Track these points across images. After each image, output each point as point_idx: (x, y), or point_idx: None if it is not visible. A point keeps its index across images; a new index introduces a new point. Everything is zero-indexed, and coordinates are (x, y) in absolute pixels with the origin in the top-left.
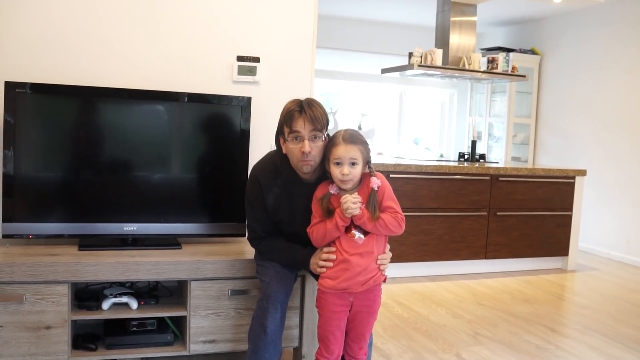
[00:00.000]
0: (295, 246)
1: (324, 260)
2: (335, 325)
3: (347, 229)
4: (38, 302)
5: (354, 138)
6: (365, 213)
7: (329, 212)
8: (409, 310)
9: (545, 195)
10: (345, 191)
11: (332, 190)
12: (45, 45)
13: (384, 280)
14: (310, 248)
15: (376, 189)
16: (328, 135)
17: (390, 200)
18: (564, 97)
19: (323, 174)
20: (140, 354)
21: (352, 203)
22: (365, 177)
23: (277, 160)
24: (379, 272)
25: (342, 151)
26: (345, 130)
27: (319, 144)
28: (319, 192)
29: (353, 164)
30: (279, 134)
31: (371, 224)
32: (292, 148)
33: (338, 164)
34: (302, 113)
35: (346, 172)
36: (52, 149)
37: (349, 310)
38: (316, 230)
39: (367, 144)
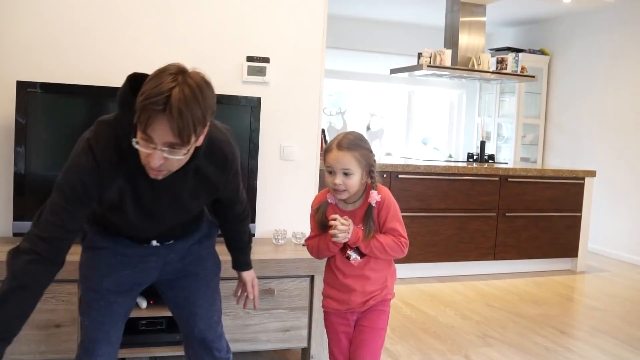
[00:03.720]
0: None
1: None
2: (340, 347)
3: (344, 248)
4: (48, 300)
5: (351, 144)
6: (358, 233)
7: (323, 227)
8: (418, 311)
9: (554, 196)
10: (345, 202)
11: (330, 199)
12: (57, 45)
13: (391, 298)
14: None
15: (374, 204)
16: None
17: (396, 221)
18: (573, 98)
19: (198, 159)
20: (149, 353)
21: (340, 228)
22: (369, 188)
23: (121, 137)
24: (381, 290)
25: (333, 159)
26: (345, 135)
27: (180, 154)
28: (316, 201)
29: (346, 173)
30: (133, 115)
31: (365, 245)
32: (139, 149)
33: (330, 172)
34: (166, 112)
35: (338, 182)
36: (63, 148)
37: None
38: (310, 246)
39: (369, 151)
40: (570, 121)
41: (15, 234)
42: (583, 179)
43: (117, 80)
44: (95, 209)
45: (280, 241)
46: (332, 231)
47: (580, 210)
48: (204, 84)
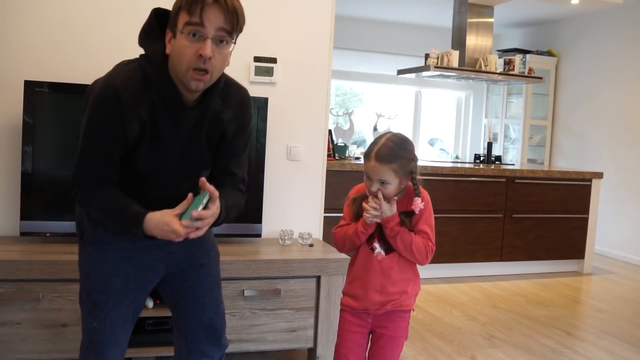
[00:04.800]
0: (132, 204)
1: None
2: (348, 347)
3: (370, 240)
4: (55, 300)
5: (389, 155)
6: (395, 218)
7: (357, 217)
8: (424, 312)
9: (561, 198)
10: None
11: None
12: (64, 45)
13: (410, 310)
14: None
15: (417, 212)
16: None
17: (427, 225)
18: (581, 99)
19: (214, 96)
20: (156, 353)
21: (373, 209)
22: (410, 190)
23: (145, 67)
24: (399, 295)
25: (370, 169)
26: (385, 142)
27: (225, 51)
28: (354, 191)
29: (383, 183)
30: (168, 24)
31: (395, 230)
32: (184, 47)
33: (368, 178)
34: (218, 2)
35: (374, 190)
36: (70, 147)
37: (370, 336)
38: (339, 233)
39: (409, 159)
40: (578, 122)
41: (22, 233)
42: (590, 180)
43: None
44: (120, 154)
45: (286, 241)
46: (365, 206)
47: (587, 212)
48: None
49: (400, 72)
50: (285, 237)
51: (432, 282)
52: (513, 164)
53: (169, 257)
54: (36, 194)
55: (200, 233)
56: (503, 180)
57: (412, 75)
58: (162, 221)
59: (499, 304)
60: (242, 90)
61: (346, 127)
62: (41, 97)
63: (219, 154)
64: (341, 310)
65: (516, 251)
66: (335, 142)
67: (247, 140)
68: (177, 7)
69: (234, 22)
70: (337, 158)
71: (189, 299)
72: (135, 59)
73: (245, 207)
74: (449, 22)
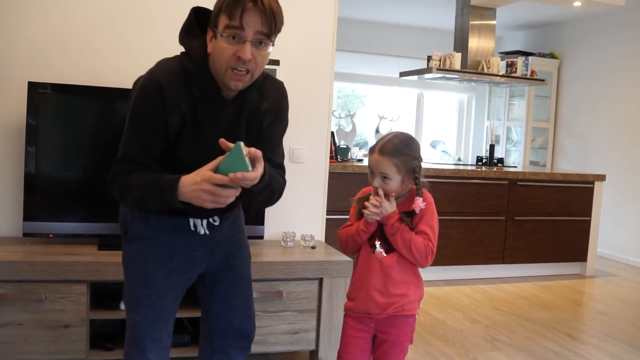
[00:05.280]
0: (167, 175)
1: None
2: (350, 352)
3: (372, 239)
4: (57, 300)
5: (393, 150)
6: (395, 215)
7: (361, 216)
8: (426, 314)
9: (563, 200)
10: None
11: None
12: (68, 46)
13: (414, 314)
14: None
15: (417, 212)
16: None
17: (427, 226)
18: (583, 101)
19: (252, 91)
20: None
21: (372, 202)
22: (413, 192)
23: (186, 63)
24: (401, 298)
25: (372, 161)
26: (391, 138)
27: (264, 53)
28: (360, 193)
29: (385, 177)
30: (209, 24)
31: (394, 227)
32: (223, 48)
33: (371, 172)
34: (256, 4)
35: (375, 184)
36: (73, 149)
37: (373, 341)
38: (343, 233)
39: (413, 157)
40: (580, 125)
41: (25, 234)
42: (593, 183)
43: (127, 82)
44: (160, 146)
45: (289, 243)
46: (365, 203)
47: (589, 215)
48: None
49: (402, 74)
50: (288, 239)
51: (434, 285)
52: (515, 167)
53: (210, 255)
54: (39, 195)
55: (236, 193)
56: (505, 182)
57: (414, 77)
58: (193, 180)
59: (501, 306)
60: (278, 83)
61: (348, 129)
62: (45, 98)
63: (256, 144)
64: (345, 315)
65: (518, 254)
66: (337, 144)
67: (283, 129)
68: (218, 9)
69: (272, 26)
70: (339, 160)
71: (221, 300)
72: (176, 56)
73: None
74: (451, 24)
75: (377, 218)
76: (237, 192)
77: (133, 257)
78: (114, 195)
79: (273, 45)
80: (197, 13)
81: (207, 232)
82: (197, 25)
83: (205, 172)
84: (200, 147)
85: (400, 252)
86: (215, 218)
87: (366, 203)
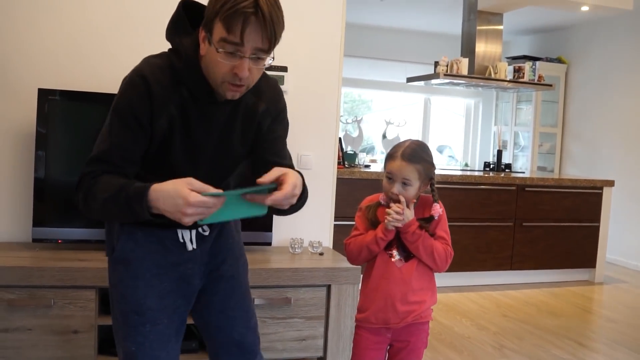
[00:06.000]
0: (137, 182)
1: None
2: None
3: (389, 248)
4: (66, 306)
5: (414, 156)
6: (414, 222)
7: (373, 224)
8: (434, 321)
9: (572, 206)
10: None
11: (382, 200)
12: (78, 54)
13: (429, 320)
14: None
15: (436, 217)
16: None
17: (443, 231)
18: (591, 106)
19: (247, 92)
20: None
21: (396, 213)
22: (424, 198)
23: (175, 61)
24: (419, 305)
25: (396, 168)
26: (410, 144)
27: (261, 66)
28: (366, 201)
29: (405, 183)
30: (201, 22)
31: (415, 235)
32: (219, 63)
33: (390, 178)
34: (257, 16)
35: (395, 191)
36: (82, 155)
37: (388, 350)
38: (354, 243)
39: (430, 163)
40: (588, 130)
41: (34, 240)
42: (601, 188)
43: None
44: (144, 149)
45: (297, 250)
46: (387, 210)
47: (598, 220)
48: None
49: (409, 79)
50: (296, 246)
51: (441, 291)
52: (523, 172)
53: (202, 268)
54: (48, 200)
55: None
56: (513, 188)
57: (421, 82)
58: (175, 188)
59: (509, 313)
60: (272, 81)
61: (355, 134)
62: (54, 104)
63: (259, 148)
64: (357, 327)
65: (526, 260)
66: (344, 150)
67: (286, 128)
68: (214, 13)
69: (272, 40)
70: (346, 166)
71: (219, 314)
72: (163, 53)
73: None
74: (458, 30)
75: (400, 225)
76: (217, 203)
77: (121, 282)
78: (78, 202)
79: (273, 58)
80: (186, 6)
81: (196, 247)
82: (186, 20)
83: (196, 181)
84: (192, 152)
85: (420, 259)
86: (205, 227)
87: (388, 210)
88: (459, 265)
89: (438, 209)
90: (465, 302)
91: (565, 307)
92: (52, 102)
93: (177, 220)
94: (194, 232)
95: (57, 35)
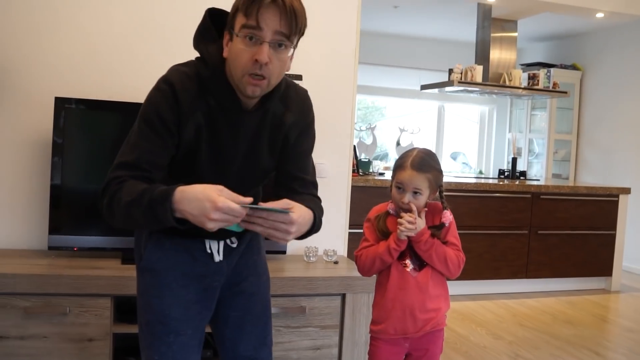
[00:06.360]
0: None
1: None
2: None
3: (402, 258)
4: (81, 314)
5: (424, 165)
6: (426, 230)
7: (384, 234)
8: (448, 330)
9: (588, 214)
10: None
11: (391, 210)
12: (95, 62)
13: (444, 326)
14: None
15: (447, 224)
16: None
17: (453, 237)
18: (606, 113)
19: (274, 100)
20: None
21: (408, 222)
22: (433, 205)
23: (201, 70)
24: (436, 313)
25: (406, 178)
26: (418, 153)
27: (283, 56)
28: (374, 211)
29: (416, 192)
30: (225, 26)
31: (428, 243)
32: (240, 51)
33: (400, 188)
34: (275, 1)
35: (406, 200)
36: (98, 163)
37: (405, 359)
38: (365, 254)
39: (439, 171)
40: (604, 137)
41: (50, 247)
42: (617, 196)
43: None
44: (171, 154)
45: (311, 258)
46: (399, 220)
47: (614, 228)
48: None
49: (423, 87)
50: (310, 254)
51: (456, 299)
52: (538, 179)
53: (224, 279)
54: (65, 208)
55: (254, 228)
56: (528, 196)
57: (435, 90)
58: (203, 192)
59: (525, 322)
60: (302, 91)
61: (369, 141)
62: (70, 113)
63: (283, 159)
64: (373, 338)
65: (542, 268)
66: (359, 158)
67: (312, 142)
68: (235, 9)
69: (292, 25)
70: (361, 174)
71: (235, 328)
72: (191, 61)
73: None
74: (472, 36)
75: (412, 234)
76: (244, 213)
77: (147, 291)
78: (102, 208)
79: (294, 48)
80: (212, 15)
81: (222, 259)
82: (212, 28)
83: (224, 188)
84: (218, 162)
85: (434, 267)
86: (233, 239)
87: (400, 220)
88: (474, 273)
89: (449, 216)
90: (480, 310)
91: (582, 316)
92: (68, 110)
93: (199, 225)
94: (221, 243)
95: (74, 43)
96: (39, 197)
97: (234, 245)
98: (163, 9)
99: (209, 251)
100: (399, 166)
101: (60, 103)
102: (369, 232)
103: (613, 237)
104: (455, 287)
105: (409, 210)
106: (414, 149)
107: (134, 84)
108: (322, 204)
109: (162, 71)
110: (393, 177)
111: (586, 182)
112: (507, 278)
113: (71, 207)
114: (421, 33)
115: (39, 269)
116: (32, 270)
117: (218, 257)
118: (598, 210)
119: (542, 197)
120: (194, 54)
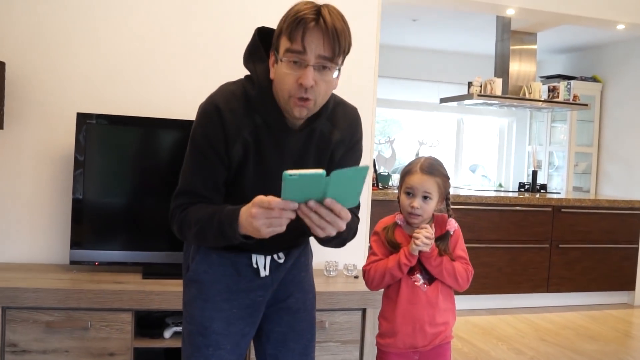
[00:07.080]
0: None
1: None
2: None
3: (411, 272)
4: (103, 328)
5: (433, 169)
6: (434, 248)
7: (393, 245)
8: (469, 345)
9: (609, 227)
10: (411, 227)
11: (399, 220)
12: (116, 78)
13: (451, 340)
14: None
15: (452, 232)
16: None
17: (461, 250)
18: (627, 125)
19: (322, 119)
20: None
21: (425, 237)
22: (438, 217)
23: (249, 89)
24: (445, 327)
25: (416, 181)
26: (426, 159)
27: (328, 78)
28: (381, 224)
29: (426, 197)
30: (271, 47)
31: (437, 261)
32: (285, 75)
33: (409, 194)
34: (318, 23)
35: (416, 205)
36: (119, 178)
37: None
38: (374, 269)
39: (448, 178)
40: (625, 149)
41: (72, 262)
42: (639, 209)
43: (171, 112)
44: (225, 175)
45: (332, 273)
46: (415, 235)
47: (637, 242)
48: None
49: (442, 100)
50: (330, 269)
51: (477, 314)
52: (559, 193)
53: (270, 294)
54: (86, 223)
55: (290, 215)
56: (549, 209)
57: (454, 103)
58: (247, 207)
59: (546, 337)
60: (351, 109)
61: (388, 155)
62: (92, 128)
63: None
64: (381, 352)
65: (563, 282)
66: (378, 171)
67: (358, 160)
68: (279, 30)
69: (335, 48)
70: (380, 187)
71: (277, 344)
72: (240, 80)
73: None
74: (491, 49)
75: (427, 249)
76: (292, 215)
77: (191, 303)
78: (175, 232)
79: (339, 69)
80: (262, 34)
81: (268, 274)
82: (261, 47)
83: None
84: (265, 179)
85: (443, 281)
86: (281, 255)
87: (416, 234)
88: (494, 287)
89: (454, 224)
90: (501, 325)
91: (605, 331)
92: (90, 125)
93: (258, 236)
94: (268, 258)
95: (96, 60)
96: (60, 211)
97: (281, 261)
98: (182, 25)
99: (255, 266)
100: (407, 172)
101: (82, 118)
102: (377, 246)
103: (636, 250)
104: (476, 301)
105: (418, 215)
106: (421, 157)
107: (154, 100)
108: None
109: (181, 86)
110: (401, 184)
111: (608, 195)
112: (527, 292)
113: (93, 222)
114: (440, 46)
115: (61, 284)
116: (54, 285)
117: (264, 272)
118: (620, 224)
119: (563, 210)
120: (212, 69)
